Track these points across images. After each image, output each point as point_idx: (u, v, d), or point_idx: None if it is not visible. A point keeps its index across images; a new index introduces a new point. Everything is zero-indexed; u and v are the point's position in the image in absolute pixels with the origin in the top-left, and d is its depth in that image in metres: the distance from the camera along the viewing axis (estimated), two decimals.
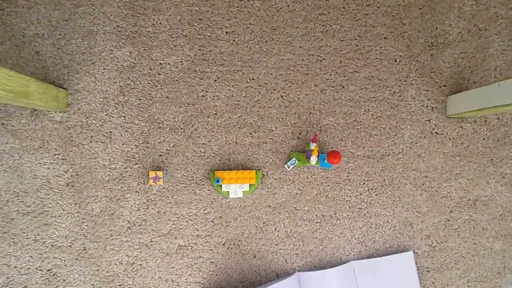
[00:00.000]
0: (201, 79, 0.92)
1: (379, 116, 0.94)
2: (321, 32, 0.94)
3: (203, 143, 0.92)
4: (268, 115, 0.93)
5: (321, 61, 0.94)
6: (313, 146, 0.87)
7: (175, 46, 0.92)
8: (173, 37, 0.92)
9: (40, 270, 0.88)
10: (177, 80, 0.92)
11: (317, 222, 0.92)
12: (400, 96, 0.94)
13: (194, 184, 0.91)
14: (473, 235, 0.94)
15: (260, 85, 0.93)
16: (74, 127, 0.90)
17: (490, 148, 0.94)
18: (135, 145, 0.90)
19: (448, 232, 0.94)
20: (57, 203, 0.89)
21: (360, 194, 0.93)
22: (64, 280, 0.89)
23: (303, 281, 0.88)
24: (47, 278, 0.88)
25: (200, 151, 0.91)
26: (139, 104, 0.91)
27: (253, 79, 0.93)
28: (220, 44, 0.92)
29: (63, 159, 0.89)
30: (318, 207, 0.92)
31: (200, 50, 0.92)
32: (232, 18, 0.93)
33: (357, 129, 0.94)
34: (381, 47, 0.94)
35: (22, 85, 0.69)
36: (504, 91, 0.72)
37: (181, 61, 0.92)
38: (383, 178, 0.93)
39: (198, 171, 0.91)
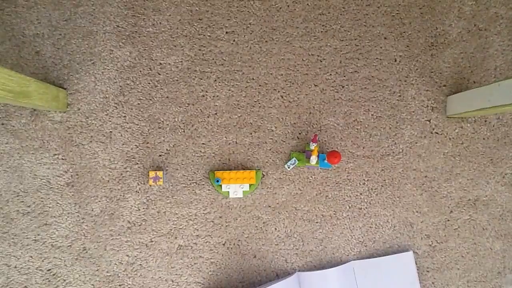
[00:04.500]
0: (201, 79, 0.92)
1: (379, 116, 0.94)
2: (321, 32, 0.94)
3: (203, 143, 0.92)
4: (268, 115, 0.93)
5: (321, 61, 0.94)
6: (313, 146, 0.87)
7: (175, 46, 0.92)
8: (173, 37, 0.92)
9: (40, 270, 0.88)
10: (177, 80, 0.92)
11: (317, 222, 0.92)
12: (400, 96, 0.94)
13: (194, 184, 0.91)
14: (473, 235, 0.94)
15: (260, 85, 0.93)
16: (74, 127, 0.90)
17: (490, 148, 0.94)
18: (135, 145, 0.90)
19: (448, 232, 0.94)
20: (57, 203, 0.89)
21: (360, 194, 0.93)
22: (64, 280, 0.89)
23: (303, 281, 0.88)
24: (47, 278, 0.88)
25: (200, 151, 0.91)
26: (139, 104, 0.91)
27: (253, 79, 0.93)
28: (220, 44, 0.93)
29: (63, 159, 0.89)
30: (318, 207, 0.92)
31: (200, 50, 0.92)
32: (232, 18, 0.93)
33: (357, 129, 0.94)
34: (381, 47, 0.94)
35: (22, 85, 0.69)
36: (504, 91, 0.72)
37: (181, 61, 0.92)
38: (383, 178, 0.93)
39: (198, 171, 0.91)
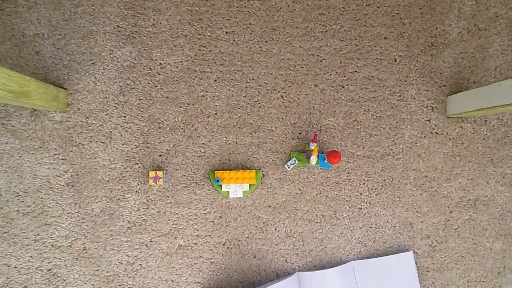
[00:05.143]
0: (201, 79, 0.92)
1: (379, 116, 0.94)
2: (321, 32, 0.94)
3: (203, 143, 0.92)
4: (268, 115, 0.93)
5: (321, 61, 0.94)
6: (313, 146, 0.87)
7: (175, 46, 0.92)
8: (173, 37, 0.92)
9: (40, 270, 0.88)
10: (177, 80, 0.92)
11: (317, 222, 0.92)
12: (400, 96, 0.94)
13: (194, 184, 0.91)
14: (473, 235, 0.94)
15: (260, 85, 0.93)
16: (74, 127, 0.90)
17: (490, 148, 0.94)
18: (135, 145, 0.90)
19: (448, 232, 0.94)
20: (57, 203, 0.89)
21: (360, 194, 0.93)
22: (64, 280, 0.89)
23: (303, 281, 0.88)
24: (47, 278, 0.88)
25: (200, 151, 0.91)
26: (139, 104, 0.91)
27: (253, 79, 0.93)
28: (220, 44, 0.93)
29: (63, 159, 0.89)
30: (318, 207, 0.92)
31: (200, 50, 0.92)
32: (232, 18, 0.93)
33: (357, 129, 0.94)
34: (381, 47, 0.94)
35: (22, 85, 0.69)
36: (504, 91, 0.72)
37: (181, 61, 0.92)
38: (383, 178, 0.93)
39: (198, 171, 0.91)
